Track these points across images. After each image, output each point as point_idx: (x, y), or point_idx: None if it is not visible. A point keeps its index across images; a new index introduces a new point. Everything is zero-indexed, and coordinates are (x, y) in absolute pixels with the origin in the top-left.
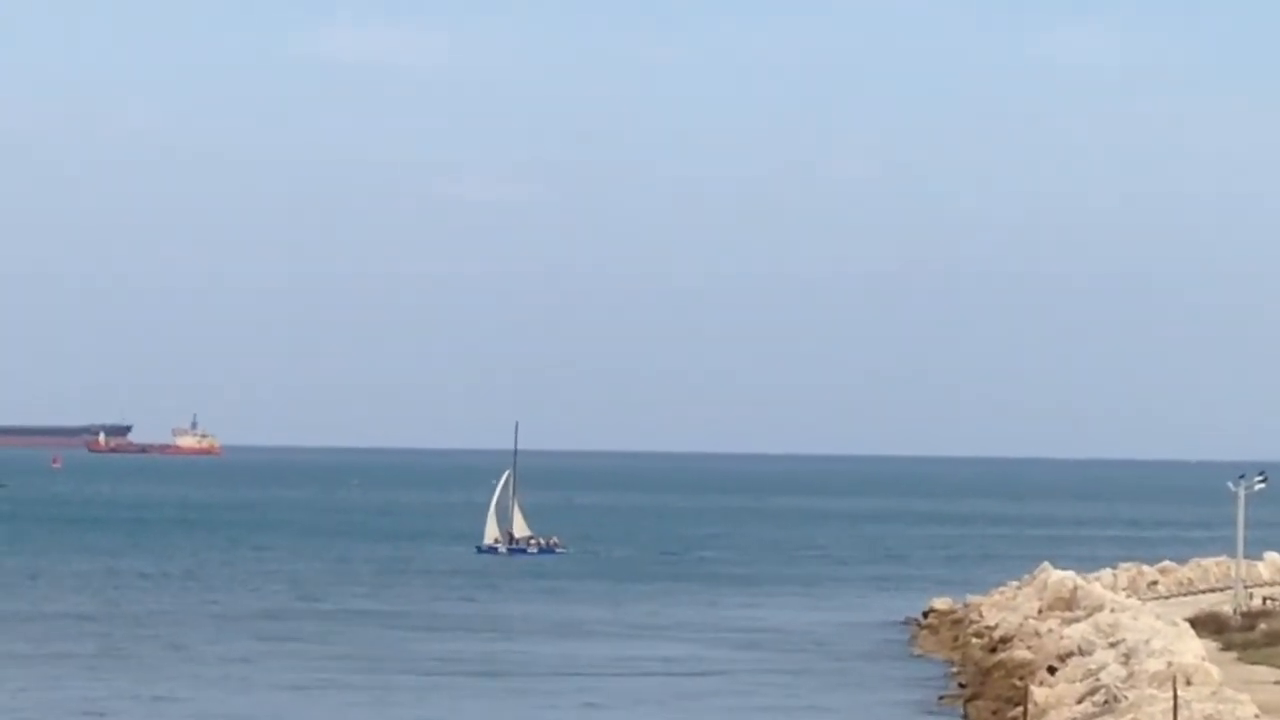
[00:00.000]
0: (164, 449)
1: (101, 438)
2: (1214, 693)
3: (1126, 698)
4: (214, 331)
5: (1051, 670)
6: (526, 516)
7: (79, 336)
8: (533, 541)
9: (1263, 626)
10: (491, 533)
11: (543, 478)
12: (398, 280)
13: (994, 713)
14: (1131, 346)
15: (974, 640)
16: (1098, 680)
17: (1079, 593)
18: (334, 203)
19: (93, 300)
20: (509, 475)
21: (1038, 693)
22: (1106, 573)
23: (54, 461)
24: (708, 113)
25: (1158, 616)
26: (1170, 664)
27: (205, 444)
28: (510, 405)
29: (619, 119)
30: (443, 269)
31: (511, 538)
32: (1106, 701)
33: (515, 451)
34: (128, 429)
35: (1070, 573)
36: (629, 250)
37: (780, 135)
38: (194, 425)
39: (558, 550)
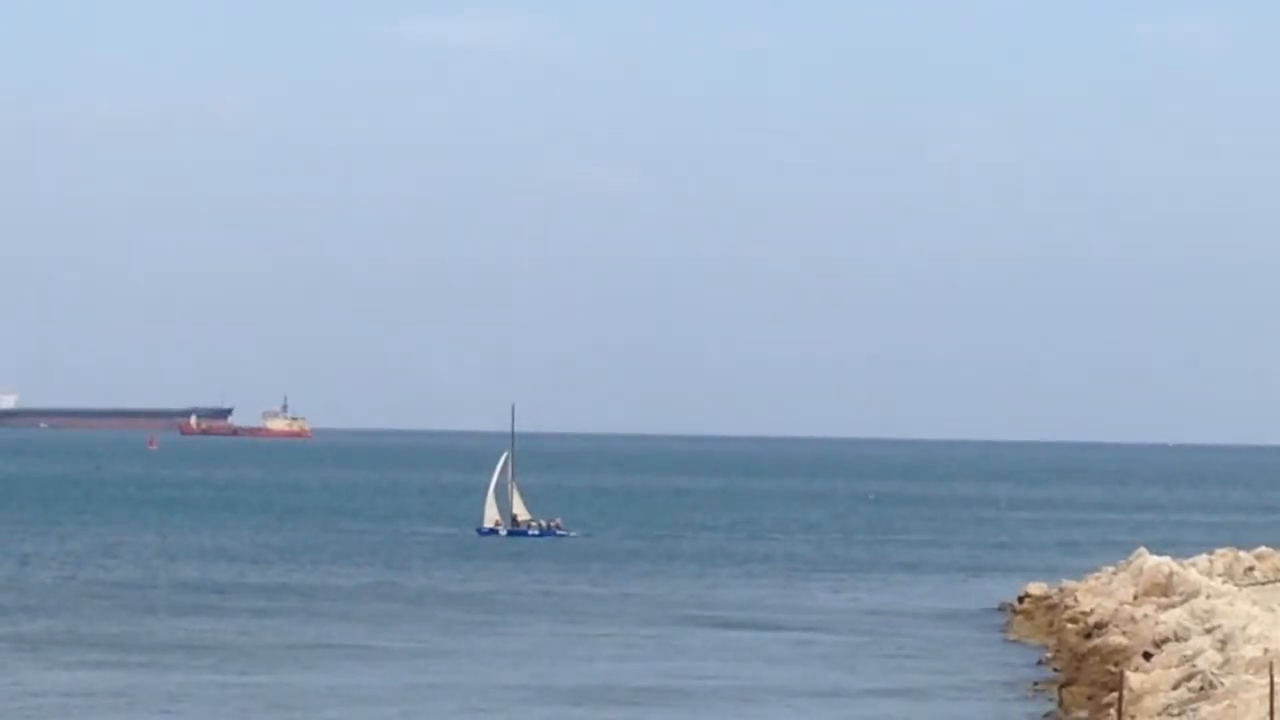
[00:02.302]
0: (254, 431)
1: (193, 420)
2: None
3: (1222, 684)
4: (308, 315)
5: (1147, 656)
6: (525, 498)
7: (185, 322)
8: (534, 524)
9: None
10: (491, 515)
11: (597, 460)
12: (485, 264)
13: (1089, 698)
14: (1234, 331)
15: (1069, 626)
16: (1193, 666)
17: (1175, 578)
18: (423, 189)
19: (199, 286)
20: (507, 456)
21: (1133, 678)
22: (1202, 558)
23: (150, 443)
24: (806, 99)
25: (1254, 602)
26: (1266, 650)
27: (295, 427)
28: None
29: (712, 105)
30: (534, 249)
31: (513, 520)
32: (1202, 688)
33: (513, 434)
34: (228, 412)
35: (1166, 558)
36: (708, 235)
37: (882, 121)
38: (284, 408)
39: (559, 533)
